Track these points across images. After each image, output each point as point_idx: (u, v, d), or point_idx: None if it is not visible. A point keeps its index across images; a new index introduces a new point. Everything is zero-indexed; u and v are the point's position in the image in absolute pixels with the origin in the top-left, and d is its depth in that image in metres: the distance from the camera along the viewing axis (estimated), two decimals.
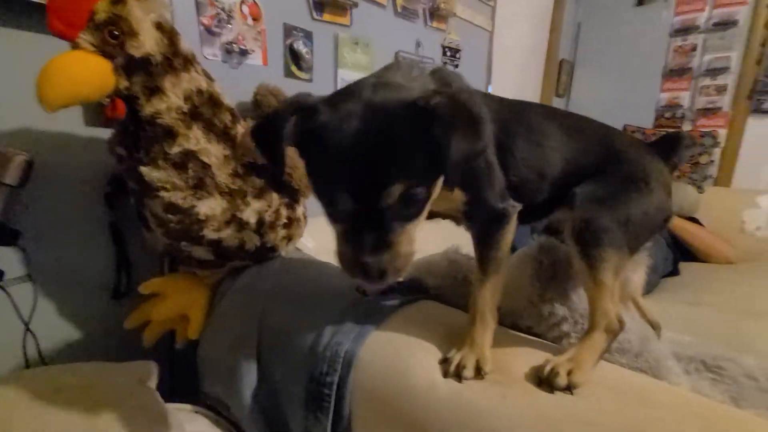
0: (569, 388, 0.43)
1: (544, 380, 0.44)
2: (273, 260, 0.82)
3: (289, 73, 1.13)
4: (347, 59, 1.24)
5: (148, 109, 0.65)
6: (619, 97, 2.57)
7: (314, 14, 1.15)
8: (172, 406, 0.66)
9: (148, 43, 0.62)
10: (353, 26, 1.24)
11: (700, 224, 1.97)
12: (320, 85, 1.20)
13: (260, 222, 0.76)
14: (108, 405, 0.57)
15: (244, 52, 1.02)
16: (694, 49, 2.29)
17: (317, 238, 1.04)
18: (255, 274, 0.78)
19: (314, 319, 0.63)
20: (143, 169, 0.67)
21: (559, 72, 2.59)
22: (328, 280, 0.72)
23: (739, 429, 0.39)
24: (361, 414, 0.53)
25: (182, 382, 0.88)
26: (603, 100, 2.64)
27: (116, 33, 0.60)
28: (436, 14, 1.50)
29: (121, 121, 0.71)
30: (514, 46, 2.16)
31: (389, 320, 0.59)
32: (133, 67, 0.62)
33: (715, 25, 2.21)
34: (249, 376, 0.66)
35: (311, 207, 1.10)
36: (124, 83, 0.62)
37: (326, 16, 1.18)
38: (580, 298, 0.58)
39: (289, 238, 0.84)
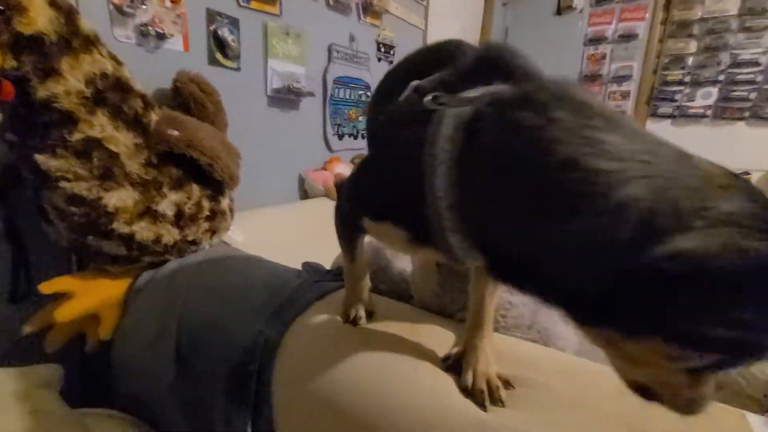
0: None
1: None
2: (196, 254, 0.79)
3: (213, 61, 1.09)
4: (278, 49, 1.22)
5: (42, 93, 0.59)
6: None
7: (241, 1, 1.11)
8: (79, 411, 0.62)
9: (39, 20, 0.57)
10: (283, 16, 1.22)
11: None
12: (248, 74, 1.17)
13: (179, 214, 0.74)
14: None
15: (161, 36, 0.97)
16: (604, 57, 2.55)
17: (247, 231, 1.02)
18: (175, 269, 0.75)
19: (237, 311, 0.62)
20: (39, 158, 0.61)
21: None
22: (254, 272, 0.71)
23: (607, 381, 0.47)
24: (284, 401, 0.54)
25: (96, 385, 0.82)
26: None
27: (1, 8, 0.55)
28: (369, 9, 1.52)
29: (10, 104, 0.64)
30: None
31: (315, 307, 0.61)
32: (21, 45, 0.56)
33: (620, 37, 2.48)
34: (167, 372, 0.64)
35: (240, 199, 1.07)
36: (10, 63, 0.56)
37: (254, 4, 1.15)
38: None
39: (213, 232, 0.82)
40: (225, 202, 0.84)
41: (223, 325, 0.61)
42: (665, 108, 2.42)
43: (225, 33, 1.08)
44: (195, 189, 0.76)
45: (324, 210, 1.33)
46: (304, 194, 1.41)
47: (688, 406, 0.28)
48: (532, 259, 0.28)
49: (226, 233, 0.88)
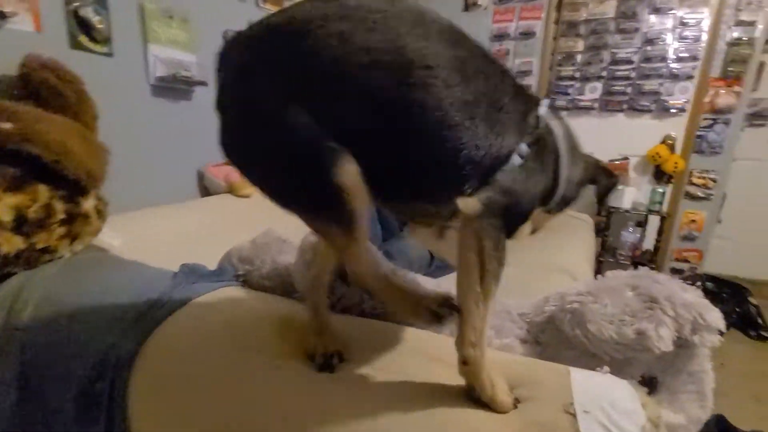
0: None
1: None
2: (50, 264, 0.69)
3: (77, 45, 0.96)
4: (160, 34, 1.11)
5: None
6: None
7: None
8: None
9: None
10: None
11: None
12: (124, 61, 1.05)
13: (21, 220, 0.64)
14: None
15: (1, 15, 0.83)
16: (507, 53, 2.73)
17: (130, 234, 0.92)
18: (21, 284, 0.65)
19: (90, 324, 0.56)
20: None
21: None
22: (116, 280, 0.64)
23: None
24: (142, 416, 0.50)
25: None
26: None
27: None
28: None
29: None
30: None
31: (182, 312, 0.57)
32: None
33: (521, 34, 2.67)
34: (5, 398, 0.56)
35: (124, 198, 0.97)
36: None
37: None
38: None
39: (73, 237, 0.72)
40: (88, 204, 0.75)
41: (75, 341, 0.54)
42: (561, 101, 2.66)
43: (89, 13, 0.96)
44: (42, 190, 0.66)
45: (224, 207, 1.26)
46: (205, 191, 1.32)
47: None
48: None
49: (94, 238, 0.79)
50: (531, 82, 2.71)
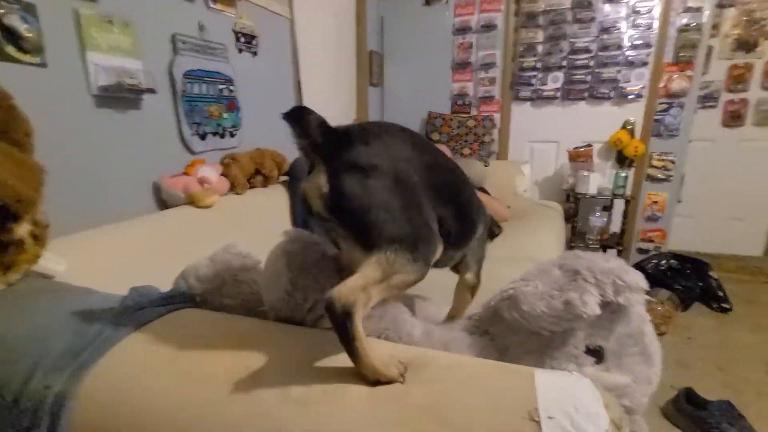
0: None
1: None
2: None
3: (4, 56, 0.88)
4: (99, 40, 1.04)
5: None
6: (423, 86, 2.91)
7: None
8: None
9: None
10: (102, 1, 1.05)
11: (488, 193, 2.40)
12: (60, 71, 0.98)
13: None
14: None
15: None
16: (471, 46, 2.74)
17: (74, 257, 0.86)
18: None
19: (23, 366, 0.51)
20: None
21: (371, 63, 2.77)
22: (58, 311, 0.59)
23: (424, 360, 0.48)
24: None
25: None
26: (410, 89, 2.95)
27: None
28: None
29: None
30: (320, 36, 2.20)
31: (127, 342, 0.52)
32: None
33: (483, 27, 2.68)
34: None
35: (72, 219, 0.91)
36: None
37: None
38: (328, 280, 0.62)
39: (6, 267, 0.66)
40: (22, 229, 0.69)
41: (4, 385, 0.49)
42: (525, 92, 2.70)
43: (14, 21, 0.88)
44: None
45: (184, 220, 1.21)
46: (163, 204, 1.26)
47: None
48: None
49: (33, 265, 0.72)
50: (495, 74, 2.74)
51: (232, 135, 1.51)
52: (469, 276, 0.74)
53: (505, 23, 2.63)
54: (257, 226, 1.36)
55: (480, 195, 2.17)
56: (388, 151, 0.51)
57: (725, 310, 2.31)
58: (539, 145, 2.77)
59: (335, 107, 2.44)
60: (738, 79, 2.90)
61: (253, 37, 1.58)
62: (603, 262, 0.56)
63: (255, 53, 1.60)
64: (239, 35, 1.51)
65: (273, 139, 1.71)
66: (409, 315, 0.64)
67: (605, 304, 0.54)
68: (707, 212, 3.13)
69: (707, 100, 2.94)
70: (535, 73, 2.64)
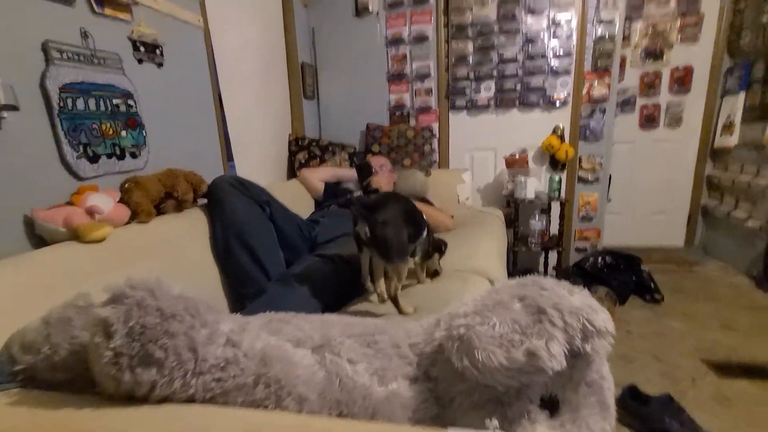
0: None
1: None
2: None
3: None
4: None
5: None
6: (360, 98, 2.85)
7: None
8: None
9: None
10: None
11: (431, 203, 2.36)
12: None
13: None
14: None
15: None
16: (405, 57, 2.73)
17: None
18: None
19: None
20: None
21: (303, 75, 2.66)
22: None
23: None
24: None
25: None
26: (347, 101, 2.88)
27: None
28: (109, 0, 1.22)
29: None
30: (243, 47, 2.06)
31: None
32: None
33: (415, 38, 2.69)
34: None
35: None
36: None
37: None
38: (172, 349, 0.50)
39: None
40: None
41: None
42: (460, 101, 2.73)
43: None
44: None
45: (64, 259, 1.01)
46: (40, 241, 1.05)
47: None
48: None
49: None
50: (431, 84, 2.74)
51: (134, 156, 1.33)
52: (416, 259, 1.32)
53: (436, 35, 2.65)
54: (165, 258, 1.19)
55: (425, 207, 2.11)
56: (391, 211, 1.06)
57: (657, 301, 2.43)
58: (478, 152, 2.80)
59: (267, 120, 2.29)
60: (649, 85, 3.15)
61: (157, 46, 1.41)
62: (569, 298, 0.48)
63: (160, 64, 1.44)
64: (138, 44, 1.34)
65: (188, 158, 1.54)
66: (302, 367, 0.52)
67: (572, 353, 0.47)
68: (633, 208, 3.34)
69: (625, 105, 3.16)
70: (468, 82, 2.68)
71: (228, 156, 1.87)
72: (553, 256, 2.76)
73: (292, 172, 2.51)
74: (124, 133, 1.28)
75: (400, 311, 1.12)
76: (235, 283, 1.36)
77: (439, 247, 1.42)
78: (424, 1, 2.61)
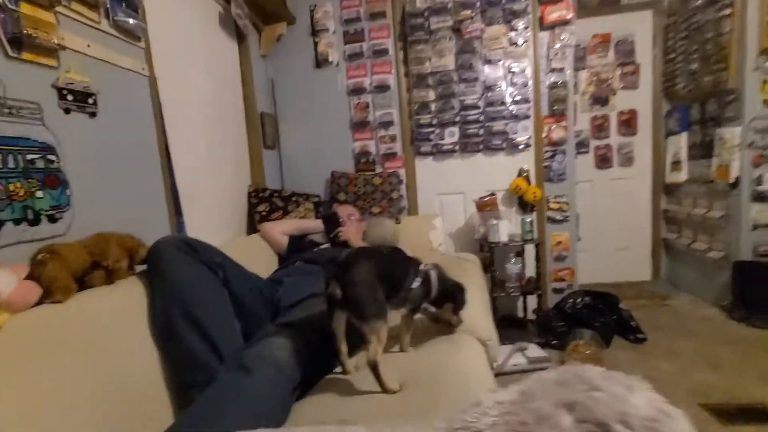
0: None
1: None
2: None
3: None
4: None
5: None
6: (323, 146, 2.76)
7: None
8: None
9: None
10: None
11: (403, 252, 2.22)
12: None
13: None
14: None
15: None
16: (367, 106, 2.71)
17: None
18: None
19: None
20: None
21: (263, 125, 2.55)
22: None
23: None
24: None
25: None
26: (310, 150, 2.78)
27: None
28: (28, 43, 1.06)
29: None
30: (197, 96, 1.93)
31: None
32: None
33: (376, 87, 2.69)
34: None
35: None
36: None
37: None
38: None
39: None
40: None
41: None
42: (426, 147, 2.71)
43: None
44: None
45: None
46: None
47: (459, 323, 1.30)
48: None
49: None
50: (395, 131, 2.72)
51: (52, 220, 1.10)
52: (403, 311, 1.22)
53: (397, 83, 2.67)
54: (86, 346, 0.94)
55: None
56: (363, 269, 1.04)
57: (641, 341, 2.36)
58: (447, 197, 2.75)
59: (222, 172, 2.12)
60: (600, 128, 3.32)
61: (90, 94, 1.24)
62: (632, 400, 0.35)
63: (93, 114, 1.26)
64: (65, 92, 1.16)
65: (126, 218, 1.32)
66: None
67: None
68: (600, 245, 3.38)
69: (580, 146, 3.29)
70: (432, 129, 2.67)
71: (176, 211, 1.66)
72: (531, 300, 2.67)
73: (252, 227, 2.31)
74: (40, 193, 1.07)
75: (383, 387, 0.99)
76: (179, 369, 1.11)
77: (452, 295, 1.25)
78: (383, 53, 2.65)
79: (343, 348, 1.11)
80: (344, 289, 1.00)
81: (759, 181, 2.51)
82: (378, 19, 2.63)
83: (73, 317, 0.98)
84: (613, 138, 3.31)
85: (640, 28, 3.16)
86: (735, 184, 2.56)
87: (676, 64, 3.01)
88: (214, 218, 2.03)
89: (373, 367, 0.97)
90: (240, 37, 2.37)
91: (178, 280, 1.15)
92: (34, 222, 1.06)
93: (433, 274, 1.22)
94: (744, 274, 2.53)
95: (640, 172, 3.31)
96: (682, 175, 3.03)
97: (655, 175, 3.28)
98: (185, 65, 1.85)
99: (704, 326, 2.50)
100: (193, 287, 1.16)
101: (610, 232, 3.36)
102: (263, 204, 2.31)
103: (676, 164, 3.08)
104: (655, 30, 3.13)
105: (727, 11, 2.52)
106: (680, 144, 3.02)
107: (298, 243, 2.07)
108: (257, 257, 1.94)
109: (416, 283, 1.16)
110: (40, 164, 1.08)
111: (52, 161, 1.11)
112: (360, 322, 0.99)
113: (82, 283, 1.09)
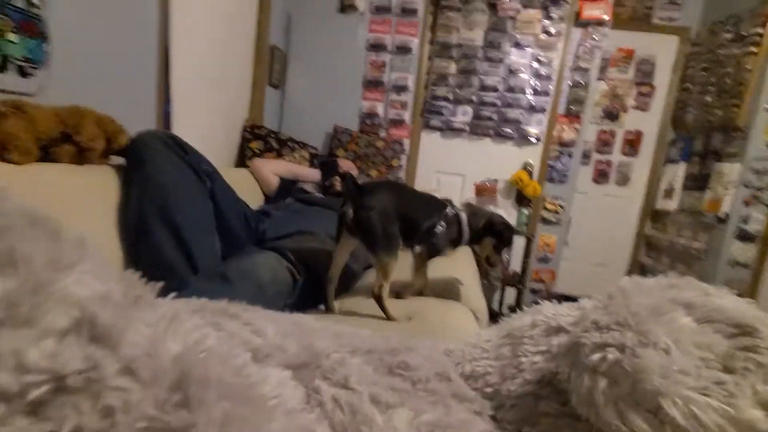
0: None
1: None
2: None
3: None
4: None
5: None
6: (330, 98, 2.61)
7: None
8: None
9: None
10: None
11: None
12: None
13: None
14: None
15: None
16: (384, 65, 2.57)
17: None
18: None
19: None
20: None
21: (272, 60, 2.37)
22: None
23: None
24: None
25: None
26: (316, 98, 2.62)
27: None
28: None
29: None
30: (209, 7, 1.74)
31: None
32: None
33: (398, 48, 2.55)
34: None
35: None
36: None
37: None
38: None
39: None
40: None
41: None
42: (435, 121, 2.60)
43: None
44: None
45: None
46: None
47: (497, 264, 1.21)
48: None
49: None
50: (407, 98, 2.59)
51: (22, 73, 0.93)
52: (417, 250, 1.13)
53: (420, 50, 2.54)
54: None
55: None
56: (379, 198, 0.96)
57: None
58: (445, 176, 2.66)
59: (220, 97, 1.94)
60: (605, 142, 3.31)
61: None
62: (749, 309, 0.26)
63: None
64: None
65: (106, 101, 1.15)
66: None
67: None
68: (580, 257, 3.40)
69: (583, 157, 3.28)
70: (446, 103, 2.57)
71: (165, 115, 1.49)
72: (509, 295, 2.64)
73: (242, 163, 2.15)
74: (13, 36, 0.89)
75: (388, 316, 0.95)
76: (147, 274, 0.97)
77: (494, 231, 1.16)
78: (412, 13, 2.51)
79: (333, 284, 1.01)
80: (357, 213, 0.93)
81: (746, 220, 2.57)
82: None
83: (27, 185, 0.83)
84: (615, 155, 3.31)
85: (663, 51, 3.15)
86: (724, 219, 2.60)
87: (691, 93, 3.03)
88: (204, 141, 1.85)
89: (378, 300, 0.92)
90: None
91: (160, 175, 1.01)
92: (0, 68, 0.88)
93: (464, 216, 1.14)
94: None
95: (634, 193, 3.33)
96: (672, 203, 3.07)
97: (646, 199, 3.32)
98: None
99: None
100: (176, 187, 1.02)
101: (591, 246, 3.39)
102: (257, 141, 2.15)
103: (668, 192, 3.11)
104: (678, 56, 3.14)
105: (753, 48, 2.53)
106: (677, 173, 3.05)
107: (289, 187, 1.93)
108: (244, 192, 1.79)
109: (440, 228, 1.08)
110: (20, 2, 0.90)
111: (34, 4, 0.93)
112: (368, 252, 0.95)
113: (47, 155, 0.93)
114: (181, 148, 1.09)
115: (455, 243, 1.16)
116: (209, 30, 1.77)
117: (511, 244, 1.23)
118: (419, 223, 1.05)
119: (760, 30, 2.50)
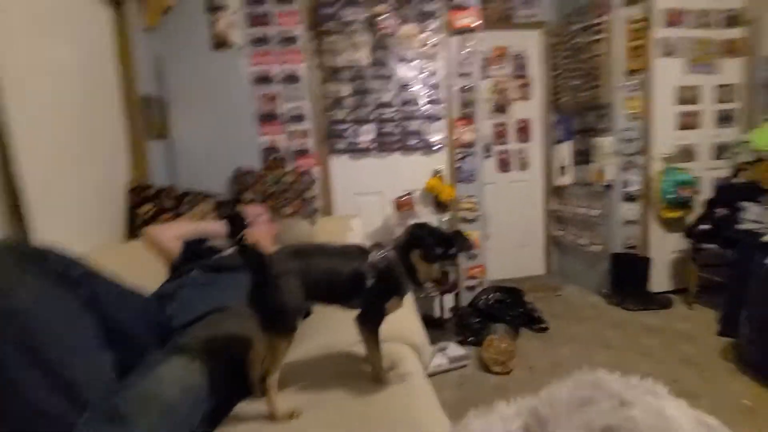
0: None
1: None
2: None
3: None
4: None
5: None
6: (225, 139, 2.44)
7: None
8: None
9: None
10: None
11: None
12: None
13: None
14: None
15: None
16: (275, 97, 2.47)
17: None
18: None
19: None
20: None
21: (149, 110, 2.14)
22: None
23: None
24: None
25: None
26: (209, 142, 2.42)
27: None
28: None
29: None
30: (54, 71, 1.50)
31: None
32: None
33: (286, 78, 2.47)
34: None
35: None
36: None
37: None
38: None
39: None
40: None
41: None
42: (340, 144, 2.57)
43: None
44: None
45: None
46: None
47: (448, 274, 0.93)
48: None
49: None
50: (307, 126, 2.52)
51: None
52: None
53: (309, 76, 2.49)
54: None
55: None
56: (282, 268, 0.87)
57: (544, 330, 2.54)
58: (364, 197, 2.65)
59: (93, 162, 1.69)
60: (500, 134, 3.57)
61: None
62: (674, 416, 0.25)
63: None
64: None
65: None
66: None
67: None
68: (502, 243, 3.63)
69: (485, 151, 3.50)
70: (347, 125, 2.55)
71: (17, 212, 1.24)
72: (447, 299, 2.70)
73: (133, 232, 1.89)
74: None
75: (273, 414, 0.83)
76: (21, 429, 0.78)
77: (416, 237, 0.92)
78: (292, 41, 2.45)
79: (255, 369, 0.91)
80: (254, 289, 0.85)
81: (626, 184, 2.94)
82: (286, 3, 2.42)
83: None
84: (511, 144, 3.59)
85: (530, 45, 3.49)
86: (609, 186, 2.95)
87: (561, 79, 3.40)
88: (78, 221, 1.59)
89: (263, 387, 0.84)
90: (115, 3, 1.94)
91: (12, 303, 0.82)
92: None
93: (392, 255, 0.92)
94: (617, 265, 2.92)
95: (534, 175, 3.64)
96: (567, 179, 3.42)
97: (546, 179, 3.64)
98: (35, 30, 1.42)
99: (592, 312, 2.82)
100: (37, 312, 0.83)
101: (510, 231, 3.63)
102: (148, 204, 1.92)
103: (563, 169, 3.46)
104: (543, 48, 3.49)
105: (599, 36, 2.91)
106: (565, 151, 3.40)
107: (196, 249, 1.74)
108: (140, 268, 1.57)
109: (370, 280, 0.90)
110: None
111: None
112: (261, 329, 0.86)
113: None
114: (37, 256, 0.90)
115: (396, 291, 0.94)
116: (59, 94, 1.53)
117: (449, 244, 0.91)
118: (340, 280, 0.91)
119: (599, 20, 2.88)
